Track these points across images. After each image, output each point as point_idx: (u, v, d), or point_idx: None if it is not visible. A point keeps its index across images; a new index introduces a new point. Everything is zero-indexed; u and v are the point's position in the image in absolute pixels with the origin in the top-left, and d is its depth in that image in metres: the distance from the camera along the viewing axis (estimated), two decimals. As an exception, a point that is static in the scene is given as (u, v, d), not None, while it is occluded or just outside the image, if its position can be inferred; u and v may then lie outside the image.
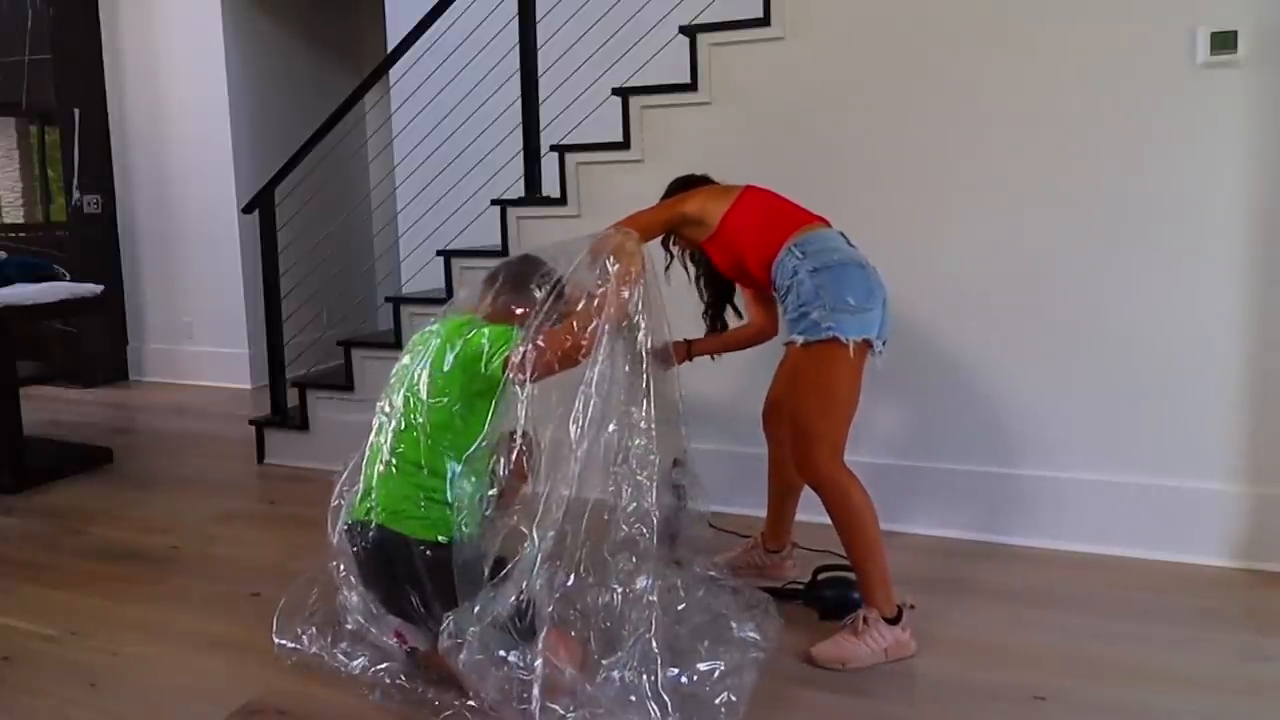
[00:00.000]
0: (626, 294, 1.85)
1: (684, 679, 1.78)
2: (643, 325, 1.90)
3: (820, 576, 2.26)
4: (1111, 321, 2.57)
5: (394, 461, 1.87)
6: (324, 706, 1.87)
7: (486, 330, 1.86)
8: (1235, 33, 2.38)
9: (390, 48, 3.71)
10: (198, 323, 5.35)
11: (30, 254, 4.65)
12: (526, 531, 1.75)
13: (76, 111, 5.18)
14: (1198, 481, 2.53)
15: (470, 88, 3.75)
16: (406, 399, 1.89)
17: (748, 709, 1.77)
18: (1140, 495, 2.57)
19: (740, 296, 2.45)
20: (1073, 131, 2.56)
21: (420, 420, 1.85)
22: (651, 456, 1.83)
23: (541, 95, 3.25)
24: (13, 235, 5.43)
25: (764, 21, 2.79)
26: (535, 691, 1.66)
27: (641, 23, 3.29)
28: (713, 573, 2.19)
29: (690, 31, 2.88)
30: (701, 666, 1.82)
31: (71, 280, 3.81)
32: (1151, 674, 1.95)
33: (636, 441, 1.84)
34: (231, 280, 5.20)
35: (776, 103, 2.82)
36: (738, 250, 2.14)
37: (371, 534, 1.84)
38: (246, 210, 3.75)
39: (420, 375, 1.88)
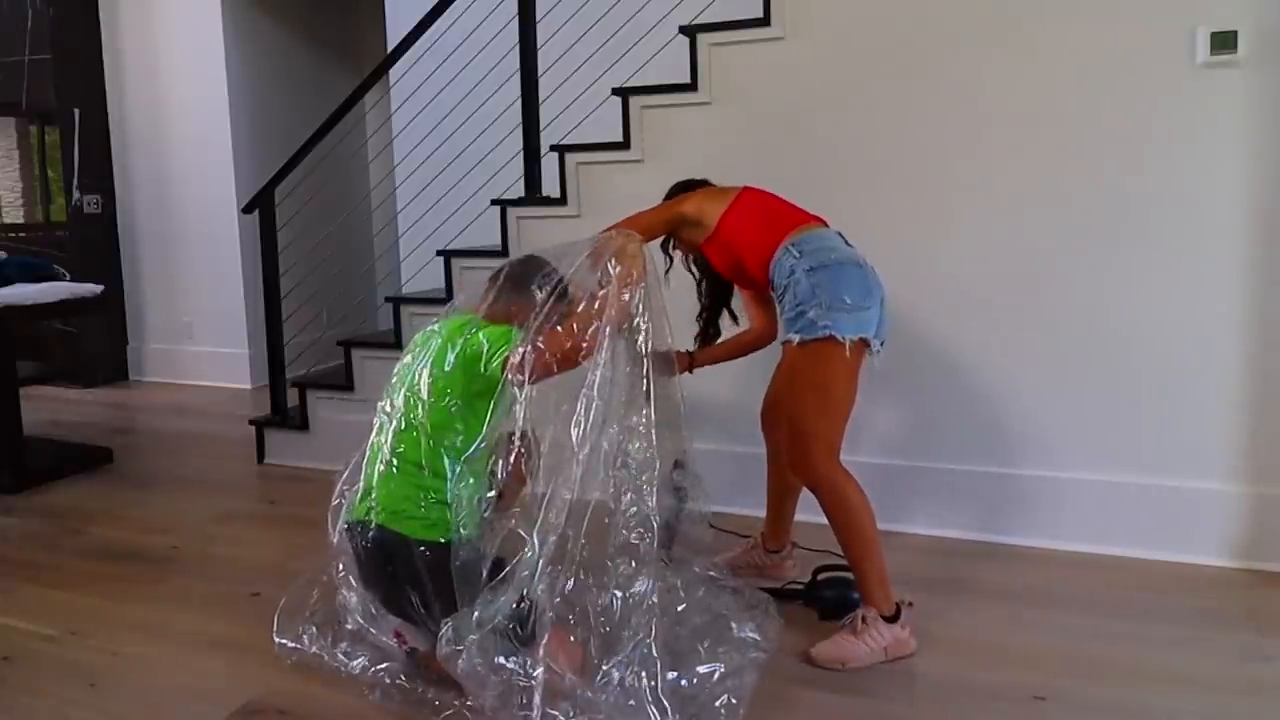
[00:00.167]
0: (627, 296, 1.85)
1: (684, 682, 1.78)
2: (644, 328, 1.90)
3: (820, 576, 2.26)
4: (1111, 321, 2.57)
5: (394, 461, 1.87)
6: (324, 706, 1.87)
7: (486, 331, 1.85)
8: (1235, 33, 2.38)
9: (390, 48, 3.71)
10: (198, 323, 5.35)
11: (30, 254, 4.65)
12: (525, 535, 1.75)
13: (76, 111, 5.18)
14: (1198, 481, 2.53)
15: (470, 88, 3.75)
16: (407, 399, 1.89)
17: (748, 710, 1.77)
18: (1140, 495, 2.57)
19: (739, 301, 2.45)
20: (1072, 131, 2.56)
21: (421, 420, 1.85)
22: (652, 460, 1.83)
23: (541, 95, 3.25)
24: (13, 235, 5.43)
25: (764, 21, 2.79)
26: (536, 699, 1.65)
27: (641, 23, 3.29)
28: (713, 573, 2.19)
29: (690, 31, 2.88)
30: (701, 669, 1.81)
31: (71, 280, 3.81)
32: (1151, 674, 1.95)
33: (637, 445, 1.84)
34: (231, 280, 5.20)
35: (776, 103, 2.82)
36: (736, 250, 2.15)
37: (371, 534, 1.84)
38: (246, 210, 3.75)
39: (421, 375, 1.88)
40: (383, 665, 1.93)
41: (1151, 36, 2.47)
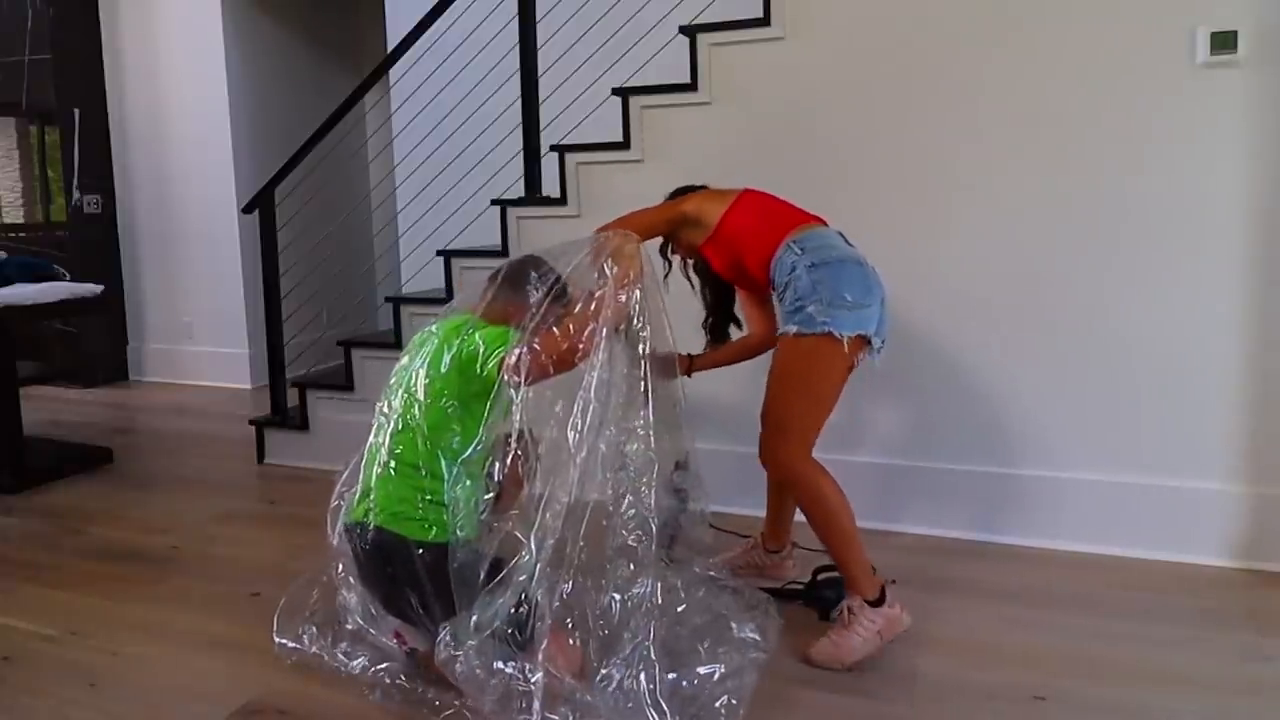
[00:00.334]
0: (624, 297, 1.84)
1: (684, 682, 1.77)
2: (642, 329, 1.89)
3: (820, 577, 2.26)
4: (1111, 321, 2.57)
5: (392, 463, 1.86)
6: (324, 706, 1.87)
7: (482, 332, 1.85)
8: (1235, 33, 2.38)
9: (390, 48, 3.71)
10: (198, 323, 5.35)
11: (30, 254, 4.65)
12: (522, 538, 1.73)
13: (76, 111, 5.18)
14: (1198, 481, 2.53)
15: (470, 88, 3.75)
16: (404, 400, 1.88)
17: (748, 710, 1.77)
18: (1140, 495, 2.57)
19: (740, 307, 2.44)
20: (1072, 132, 2.56)
21: (418, 421, 1.85)
22: (651, 462, 1.82)
23: (541, 95, 3.25)
24: (13, 235, 5.43)
25: (764, 21, 2.79)
26: (536, 705, 1.64)
27: (641, 23, 3.29)
28: (713, 573, 2.19)
29: (690, 31, 2.88)
30: (701, 670, 1.81)
31: (71, 280, 3.81)
32: (1151, 674, 1.95)
33: (635, 447, 1.83)
34: (231, 280, 5.20)
35: (776, 103, 2.82)
36: (736, 250, 2.14)
37: (370, 535, 1.84)
38: (246, 210, 3.75)
39: (418, 376, 1.87)
40: (383, 665, 1.93)
41: (1151, 36, 2.47)
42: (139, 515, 3.07)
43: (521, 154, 3.25)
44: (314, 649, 2.00)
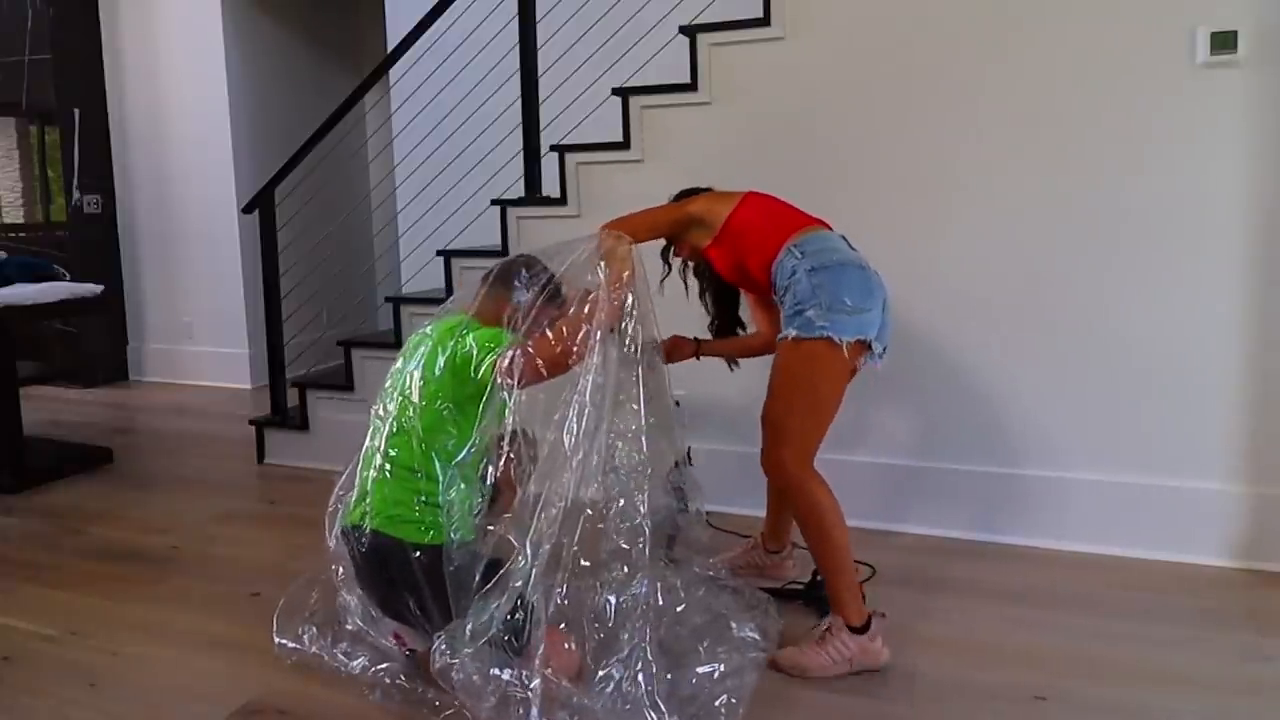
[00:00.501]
0: (617, 299, 1.83)
1: (683, 683, 1.77)
2: (634, 331, 1.88)
3: (820, 577, 2.26)
4: (1111, 321, 2.57)
5: (388, 466, 1.86)
6: (324, 706, 1.87)
7: (475, 334, 1.84)
8: (1235, 33, 2.38)
9: (390, 48, 3.71)
10: (198, 323, 5.35)
11: (30, 254, 4.65)
12: (516, 543, 1.72)
13: (76, 111, 5.18)
14: (1198, 481, 2.53)
15: (470, 88, 3.75)
16: (400, 403, 1.88)
17: (748, 710, 1.77)
18: (1140, 495, 2.57)
19: (745, 309, 2.43)
20: (1072, 132, 2.56)
21: (413, 424, 1.84)
22: (644, 464, 1.81)
23: (541, 95, 3.25)
24: (13, 235, 5.43)
25: (764, 21, 2.79)
26: (534, 712, 1.64)
27: (641, 23, 3.29)
28: (712, 573, 2.19)
29: (690, 31, 2.88)
30: (701, 669, 1.81)
31: (71, 280, 3.81)
32: (1151, 674, 1.95)
33: (628, 449, 1.82)
34: (231, 280, 5.20)
35: (776, 103, 2.82)
36: (739, 252, 2.13)
37: (366, 538, 1.83)
38: (246, 210, 3.75)
39: (412, 379, 1.87)
40: (383, 665, 1.93)
41: (1151, 36, 2.47)
42: (139, 515, 3.07)
43: (521, 154, 3.25)
44: (314, 649, 2.00)
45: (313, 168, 3.81)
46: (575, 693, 1.68)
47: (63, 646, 2.15)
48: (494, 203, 3.25)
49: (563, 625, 1.77)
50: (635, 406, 1.85)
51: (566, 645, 1.76)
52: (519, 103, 3.24)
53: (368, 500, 1.86)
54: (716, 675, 1.81)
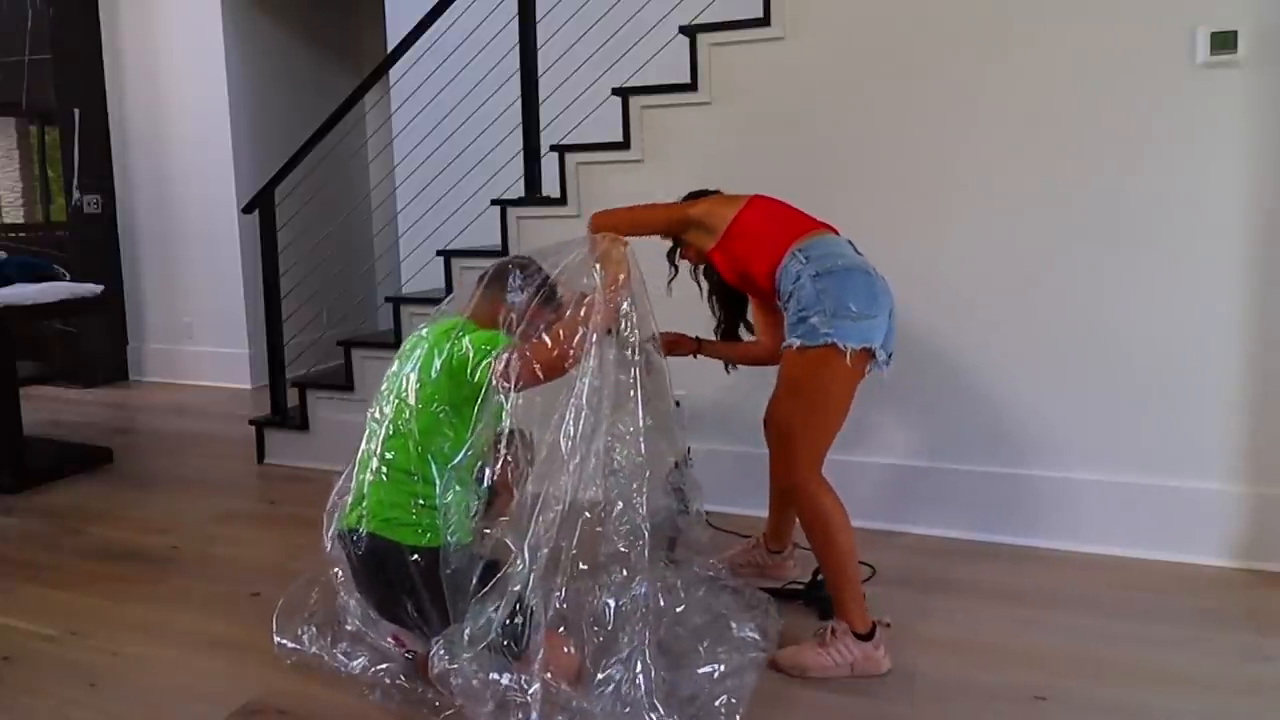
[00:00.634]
0: (613, 302, 1.82)
1: (683, 683, 1.77)
2: (630, 334, 1.87)
3: (820, 577, 2.26)
4: (1111, 322, 2.57)
5: (384, 469, 1.85)
6: (324, 706, 1.87)
7: (471, 336, 1.83)
8: (1235, 33, 2.38)
9: (390, 48, 3.71)
10: (198, 323, 5.35)
11: (30, 254, 4.65)
12: (514, 546, 1.71)
13: (76, 111, 5.18)
14: (1198, 481, 2.53)
15: (470, 88, 3.75)
16: (396, 405, 1.87)
17: (748, 709, 1.77)
18: (1140, 495, 2.57)
19: (752, 315, 2.42)
20: (1072, 132, 2.56)
21: (409, 426, 1.83)
22: (642, 466, 1.81)
23: (541, 95, 3.25)
24: (13, 235, 5.43)
25: (764, 21, 2.79)
26: (534, 716, 1.63)
27: (641, 23, 3.29)
28: (712, 573, 2.18)
29: (690, 31, 2.88)
30: (701, 669, 1.81)
31: (71, 280, 3.81)
32: (1151, 674, 1.95)
33: (627, 452, 1.81)
34: (231, 280, 5.20)
35: (776, 103, 2.82)
36: (743, 256, 2.10)
37: (363, 541, 1.82)
38: (246, 210, 3.75)
39: (409, 381, 1.86)
40: (383, 665, 1.93)
41: (1151, 36, 2.47)
42: (139, 515, 3.07)
43: (521, 154, 3.25)
44: (314, 649, 2.00)
45: (313, 168, 3.81)
46: (575, 696, 1.68)
47: (63, 646, 2.15)
48: (494, 203, 3.25)
49: (561, 629, 1.76)
50: (633, 408, 1.85)
51: (566, 648, 1.75)
52: (519, 103, 3.24)
53: (364, 503, 1.85)
54: (716, 675, 1.81)
